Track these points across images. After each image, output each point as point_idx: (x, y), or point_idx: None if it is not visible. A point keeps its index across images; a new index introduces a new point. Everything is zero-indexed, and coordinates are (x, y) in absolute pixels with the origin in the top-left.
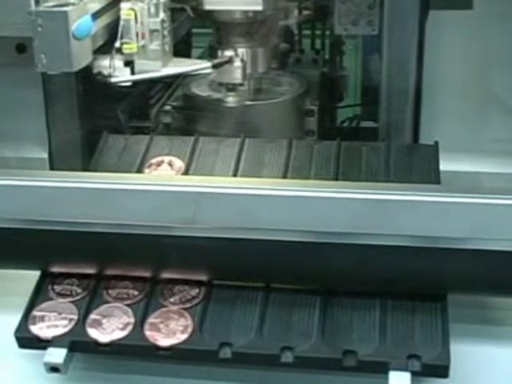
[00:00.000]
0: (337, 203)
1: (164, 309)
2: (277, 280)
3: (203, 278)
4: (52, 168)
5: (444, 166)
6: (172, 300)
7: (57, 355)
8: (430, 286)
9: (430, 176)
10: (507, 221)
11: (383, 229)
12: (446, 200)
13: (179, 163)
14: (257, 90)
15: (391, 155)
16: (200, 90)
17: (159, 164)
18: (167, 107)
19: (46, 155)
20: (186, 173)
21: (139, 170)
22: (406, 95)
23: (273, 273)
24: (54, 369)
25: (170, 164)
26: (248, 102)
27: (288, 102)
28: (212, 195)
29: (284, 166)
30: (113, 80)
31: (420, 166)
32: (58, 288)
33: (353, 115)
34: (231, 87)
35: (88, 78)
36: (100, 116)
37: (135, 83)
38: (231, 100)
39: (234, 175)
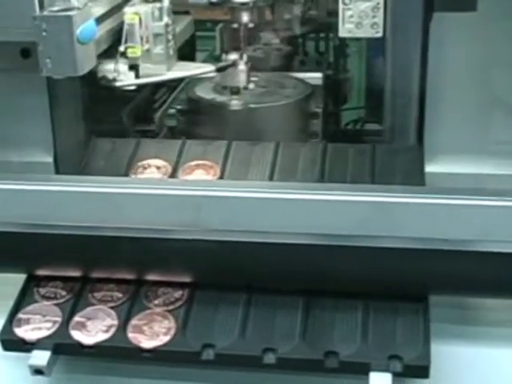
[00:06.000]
0: (337, 205)
1: (148, 311)
2: (270, 282)
3: (187, 280)
4: (57, 172)
5: (448, 167)
6: (156, 302)
7: (41, 358)
8: (433, 287)
9: (415, 177)
10: None
11: (386, 231)
12: (451, 202)
13: (166, 166)
14: (261, 93)
15: (376, 157)
16: (204, 93)
17: (146, 167)
18: (172, 110)
19: (51, 159)
20: (172, 176)
21: (126, 173)
22: (410, 97)
23: (264, 274)
24: (37, 371)
25: (157, 167)
26: (252, 105)
27: (292, 104)
28: (204, 198)
29: (270, 167)
30: (117, 84)
31: (404, 168)
32: (42, 291)
33: (357, 117)
34: (235, 90)
35: (93, 82)
36: (105, 120)
37: (140, 86)
38: (235, 103)
39: (221, 178)
